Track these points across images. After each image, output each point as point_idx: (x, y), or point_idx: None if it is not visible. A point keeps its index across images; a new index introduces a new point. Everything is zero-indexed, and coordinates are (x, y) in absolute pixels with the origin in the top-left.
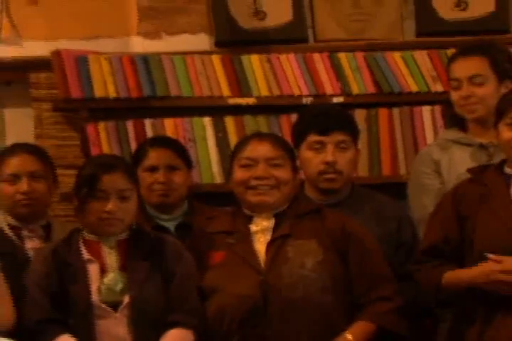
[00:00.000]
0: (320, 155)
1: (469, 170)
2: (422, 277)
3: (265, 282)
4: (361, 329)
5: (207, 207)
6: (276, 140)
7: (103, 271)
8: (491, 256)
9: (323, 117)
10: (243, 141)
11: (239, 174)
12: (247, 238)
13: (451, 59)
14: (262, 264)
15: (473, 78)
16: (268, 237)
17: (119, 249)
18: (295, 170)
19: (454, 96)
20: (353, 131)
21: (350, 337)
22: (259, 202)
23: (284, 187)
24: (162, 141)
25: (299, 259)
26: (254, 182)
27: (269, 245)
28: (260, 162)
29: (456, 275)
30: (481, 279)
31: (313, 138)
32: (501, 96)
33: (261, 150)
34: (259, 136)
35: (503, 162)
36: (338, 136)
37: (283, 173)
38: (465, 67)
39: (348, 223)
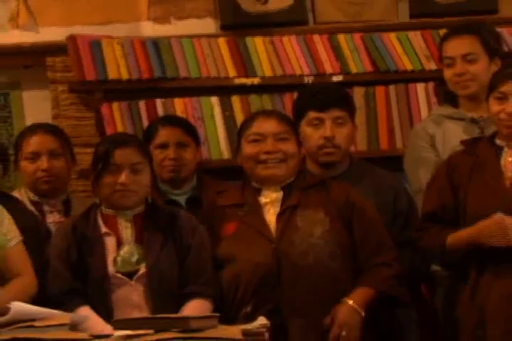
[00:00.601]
0: (319, 130)
1: (462, 142)
2: (426, 241)
3: (277, 250)
4: (361, 295)
5: (216, 181)
6: (281, 116)
7: (119, 244)
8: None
9: (320, 95)
10: (250, 118)
11: (248, 149)
12: (257, 209)
13: (444, 38)
14: (274, 233)
15: (467, 56)
16: (277, 208)
17: (135, 222)
18: (299, 144)
19: (448, 73)
20: (349, 108)
21: (350, 302)
22: (269, 176)
23: (291, 161)
24: (172, 120)
25: (308, 228)
26: (263, 157)
27: (279, 216)
28: (268, 137)
29: (457, 236)
30: (479, 234)
31: (312, 114)
32: (493, 72)
33: (268, 126)
34: (264, 112)
35: (495, 134)
36: (336, 113)
37: (290, 147)
38: (458, 46)
39: (351, 194)
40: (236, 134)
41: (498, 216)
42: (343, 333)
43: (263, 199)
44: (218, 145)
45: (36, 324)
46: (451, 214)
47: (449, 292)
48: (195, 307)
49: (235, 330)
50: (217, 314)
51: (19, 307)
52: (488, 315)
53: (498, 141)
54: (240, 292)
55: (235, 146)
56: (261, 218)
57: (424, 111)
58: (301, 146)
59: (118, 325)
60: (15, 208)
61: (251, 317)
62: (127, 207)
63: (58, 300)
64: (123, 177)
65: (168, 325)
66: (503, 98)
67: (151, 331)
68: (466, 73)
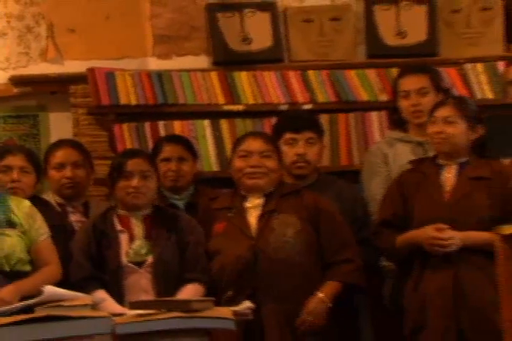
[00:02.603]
0: (293, 148)
1: (410, 162)
2: (380, 242)
3: (256, 246)
4: (330, 288)
5: (209, 189)
6: (266, 137)
7: (131, 239)
8: (440, 225)
9: (296, 120)
10: (241, 138)
11: (238, 163)
12: (242, 213)
13: (401, 75)
14: (254, 233)
15: (420, 90)
16: (259, 212)
17: (144, 222)
18: (280, 161)
19: (404, 104)
20: (318, 130)
21: (321, 295)
22: (252, 185)
23: (272, 174)
24: (175, 138)
25: (282, 229)
26: (249, 170)
27: (260, 218)
28: (254, 154)
29: (404, 238)
30: (421, 238)
31: (288, 135)
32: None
33: (255, 144)
34: (253, 133)
35: (437, 155)
36: (308, 134)
37: (272, 163)
38: (413, 82)
39: (320, 201)
40: (224, 151)
41: (435, 226)
42: (310, 318)
43: (247, 205)
44: (209, 159)
45: (64, 304)
46: (401, 220)
47: (396, 283)
48: (190, 290)
49: (226, 311)
50: (213, 298)
51: (50, 289)
52: (428, 302)
53: (439, 161)
54: (224, 279)
55: (224, 160)
56: (245, 220)
57: (376, 134)
58: (281, 164)
59: (133, 305)
60: (44, 208)
61: (232, 301)
62: (138, 208)
63: (79, 285)
64: (135, 182)
65: (173, 306)
66: (434, 122)
67: (159, 311)
68: (419, 104)
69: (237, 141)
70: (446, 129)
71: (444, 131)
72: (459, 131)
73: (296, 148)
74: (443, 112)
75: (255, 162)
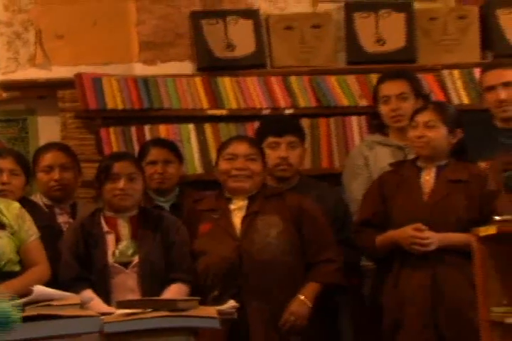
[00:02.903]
0: (276, 152)
1: (391, 164)
2: (360, 241)
3: (240, 247)
4: (310, 290)
5: (194, 191)
6: (251, 141)
7: (118, 240)
8: (419, 225)
9: (278, 124)
10: (227, 141)
11: (223, 165)
12: (227, 214)
13: (381, 81)
14: (238, 234)
15: (400, 95)
16: (243, 213)
17: (130, 223)
18: (264, 164)
19: (384, 109)
20: (300, 134)
21: (302, 297)
22: (237, 187)
23: (257, 177)
24: (161, 141)
25: (266, 230)
26: (234, 172)
27: (244, 219)
28: (240, 157)
29: (384, 237)
30: (400, 238)
31: (271, 139)
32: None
33: (240, 148)
34: (239, 137)
35: (416, 158)
36: (290, 138)
37: (256, 166)
38: (393, 87)
39: (303, 202)
40: (208, 155)
41: (414, 226)
42: (292, 318)
43: (232, 206)
44: (193, 162)
45: (53, 303)
46: (380, 220)
47: (375, 282)
48: (175, 290)
49: (211, 310)
50: (198, 297)
51: (40, 289)
52: (406, 299)
53: (419, 163)
54: (209, 279)
55: (208, 163)
56: (229, 221)
57: (356, 138)
58: (265, 167)
59: (120, 305)
60: (33, 210)
61: (217, 300)
62: (125, 209)
63: (67, 285)
64: (121, 184)
65: (160, 305)
66: (415, 126)
67: (145, 310)
68: (399, 109)
69: (223, 144)
70: (427, 133)
71: (425, 135)
72: (439, 135)
73: (278, 151)
74: (424, 117)
75: (240, 165)
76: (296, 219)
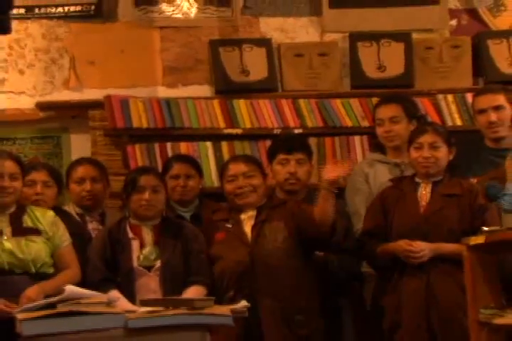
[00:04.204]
0: (286, 168)
1: (391, 180)
2: (364, 251)
3: (252, 252)
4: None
5: (212, 202)
6: (246, 159)
7: (142, 246)
8: (407, 241)
9: (288, 142)
10: (225, 164)
11: (227, 187)
12: (239, 223)
13: (377, 105)
14: (249, 240)
15: (392, 118)
16: (252, 222)
17: (153, 230)
18: (264, 176)
19: (379, 130)
20: (308, 152)
21: None
22: (244, 204)
23: (259, 189)
24: (183, 157)
25: (273, 235)
26: (238, 191)
27: (253, 227)
28: (239, 176)
29: (384, 248)
30: (397, 251)
31: (281, 156)
32: (411, 130)
33: (238, 168)
34: (234, 158)
35: (414, 174)
36: (298, 155)
37: (256, 181)
38: (386, 111)
39: (297, 205)
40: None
41: (405, 241)
42: None
43: (243, 216)
44: (211, 177)
45: (82, 301)
46: (382, 231)
47: (376, 287)
48: (194, 291)
49: (225, 309)
50: (213, 297)
51: (71, 289)
52: (404, 303)
53: (416, 179)
54: (224, 281)
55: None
56: (241, 229)
57: (359, 156)
58: (267, 177)
59: (142, 303)
60: (65, 218)
61: (232, 300)
62: (149, 218)
63: (96, 285)
64: (146, 195)
65: (178, 304)
66: (419, 147)
67: (165, 308)
68: (391, 131)
69: (223, 168)
70: (434, 154)
71: (433, 156)
72: (443, 154)
73: (288, 167)
74: (427, 138)
75: (241, 183)
76: (294, 219)
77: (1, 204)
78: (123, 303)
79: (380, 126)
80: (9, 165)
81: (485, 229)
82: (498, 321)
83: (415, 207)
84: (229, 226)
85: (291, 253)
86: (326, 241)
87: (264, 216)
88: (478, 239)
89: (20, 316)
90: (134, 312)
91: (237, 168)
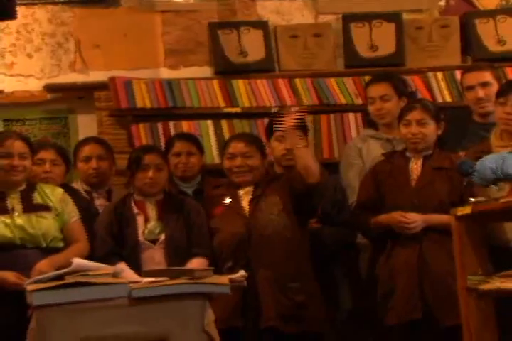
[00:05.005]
0: (282, 144)
1: (383, 154)
2: (358, 222)
3: (248, 223)
4: None
5: (213, 178)
6: (248, 139)
7: (147, 220)
8: (400, 213)
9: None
10: (228, 141)
11: (226, 164)
12: (237, 198)
13: (368, 84)
14: (247, 213)
15: (383, 97)
16: (250, 197)
17: (157, 206)
18: (263, 157)
19: (370, 108)
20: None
21: None
22: (239, 181)
23: (256, 170)
24: (184, 136)
25: (269, 209)
26: (235, 169)
27: (251, 202)
28: (237, 155)
29: (377, 219)
30: (391, 222)
31: (278, 133)
32: (401, 107)
33: (238, 147)
34: (237, 137)
35: (405, 149)
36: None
37: (253, 161)
38: (377, 90)
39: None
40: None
41: (399, 213)
42: None
43: (240, 192)
44: (212, 153)
45: (90, 273)
46: (375, 203)
47: (370, 257)
48: (196, 262)
49: (224, 278)
50: (212, 268)
51: (78, 261)
52: (397, 271)
53: (407, 154)
54: (223, 252)
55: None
56: (239, 203)
57: (353, 132)
58: (266, 157)
59: (146, 274)
60: (74, 195)
61: (231, 270)
62: (153, 195)
63: (103, 258)
64: (150, 173)
65: (180, 274)
66: (407, 124)
67: (167, 278)
68: (382, 108)
69: (225, 144)
70: (421, 130)
71: (420, 132)
72: (430, 130)
73: (284, 143)
74: (415, 115)
75: (239, 162)
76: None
77: (12, 182)
78: (128, 274)
79: (372, 104)
80: (18, 145)
81: (471, 200)
82: (484, 287)
83: (407, 181)
84: (228, 200)
85: (286, 224)
86: (317, 200)
87: (261, 191)
88: (465, 210)
89: (30, 287)
90: (138, 282)
91: (237, 147)
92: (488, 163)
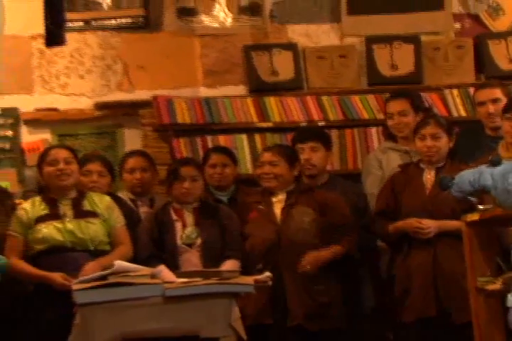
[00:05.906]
0: (302, 155)
1: (399, 166)
2: (377, 228)
3: (279, 230)
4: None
5: (246, 187)
6: (277, 149)
7: (184, 226)
8: (416, 219)
9: (301, 133)
10: (260, 152)
11: (257, 171)
12: (270, 205)
13: (387, 100)
14: (278, 220)
15: (401, 112)
16: (282, 205)
17: (193, 212)
18: (292, 166)
19: (389, 123)
20: (322, 140)
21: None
22: (266, 187)
23: (281, 178)
24: (219, 149)
25: (300, 218)
26: (262, 176)
27: (283, 210)
28: (265, 163)
29: (395, 225)
30: (407, 228)
31: (298, 145)
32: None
33: (266, 156)
34: (268, 148)
35: (419, 161)
36: (311, 144)
37: (278, 170)
38: (395, 106)
39: (327, 197)
40: (257, 159)
41: (415, 220)
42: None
43: (274, 199)
44: (246, 165)
45: (130, 274)
46: (393, 210)
47: (389, 259)
48: (229, 264)
49: (249, 279)
50: (239, 270)
51: (120, 263)
52: (413, 272)
53: (421, 165)
54: (255, 256)
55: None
56: (271, 211)
57: (375, 145)
58: (295, 168)
59: (180, 275)
60: (119, 203)
61: (261, 272)
62: (189, 203)
63: (144, 262)
64: (186, 184)
65: (209, 275)
66: (422, 138)
67: (199, 279)
68: (400, 123)
69: (259, 154)
70: (435, 144)
71: (435, 146)
72: (443, 143)
73: (303, 154)
74: (429, 130)
75: (266, 170)
76: (323, 210)
77: (62, 187)
78: (166, 275)
79: (390, 118)
80: (62, 152)
81: (480, 207)
82: (490, 287)
83: (421, 190)
84: (261, 207)
85: (314, 233)
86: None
87: (293, 200)
88: (474, 216)
89: (75, 287)
90: (172, 282)
91: (265, 156)
92: (466, 176)
